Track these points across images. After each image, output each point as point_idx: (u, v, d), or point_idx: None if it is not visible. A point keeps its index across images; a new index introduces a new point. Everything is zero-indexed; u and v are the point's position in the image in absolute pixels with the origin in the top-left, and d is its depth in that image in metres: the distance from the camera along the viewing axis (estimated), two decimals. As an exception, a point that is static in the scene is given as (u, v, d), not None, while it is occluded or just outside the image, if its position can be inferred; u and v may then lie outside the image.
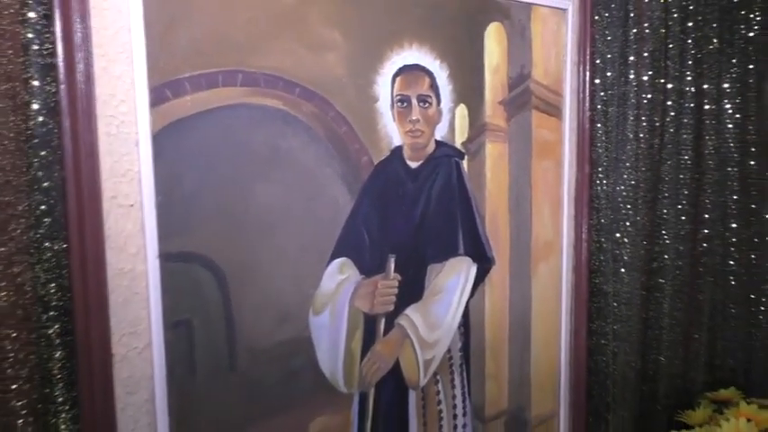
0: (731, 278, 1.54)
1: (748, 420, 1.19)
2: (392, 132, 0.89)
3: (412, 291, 0.93)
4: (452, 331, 0.98)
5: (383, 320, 0.91)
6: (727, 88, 1.46)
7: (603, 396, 1.24)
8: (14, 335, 0.64)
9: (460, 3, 0.95)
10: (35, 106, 0.64)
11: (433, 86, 0.92)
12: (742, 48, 1.50)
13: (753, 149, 1.57)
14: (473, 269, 1.00)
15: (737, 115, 1.49)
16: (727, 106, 1.48)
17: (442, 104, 0.94)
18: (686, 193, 1.38)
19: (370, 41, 0.86)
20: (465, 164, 0.98)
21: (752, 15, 1.51)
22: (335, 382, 0.86)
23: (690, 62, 1.36)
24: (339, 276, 0.85)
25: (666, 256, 1.36)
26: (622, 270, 1.25)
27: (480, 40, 0.98)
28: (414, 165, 0.92)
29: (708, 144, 1.42)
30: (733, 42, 1.48)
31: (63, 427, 0.67)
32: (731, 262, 1.53)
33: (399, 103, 0.89)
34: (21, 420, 0.65)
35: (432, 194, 0.94)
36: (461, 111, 0.96)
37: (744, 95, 1.52)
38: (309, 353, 0.83)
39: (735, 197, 1.49)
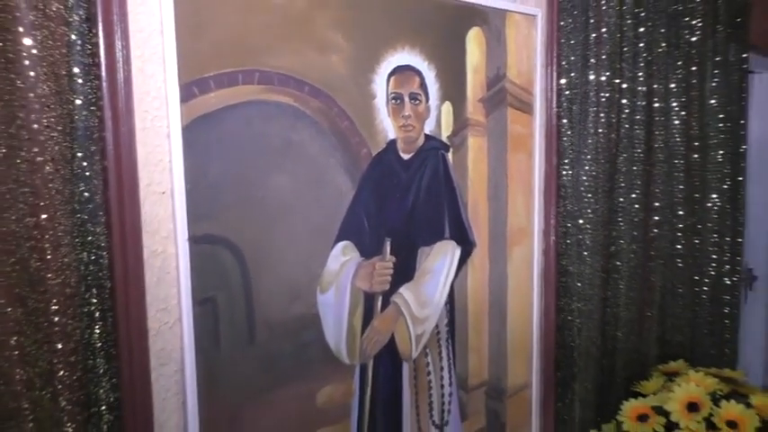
0: (678, 261, 1.70)
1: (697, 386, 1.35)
2: (387, 127, 0.98)
3: (405, 271, 1.03)
4: (440, 308, 1.09)
5: (380, 298, 1.00)
6: (674, 88, 1.62)
7: (570, 368, 1.37)
8: (62, 311, 0.71)
9: (446, 9, 1.05)
10: (78, 102, 0.71)
11: (423, 85, 1.03)
12: (686, 51, 1.67)
13: (696, 144, 1.74)
14: (457, 252, 1.11)
15: (683, 112, 1.65)
16: (674, 104, 1.64)
17: (431, 101, 1.04)
18: (639, 183, 1.53)
19: (369, 44, 0.95)
20: (450, 156, 1.08)
21: (694, 22, 1.67)
22: (340, 355, 0.96)
23: (641, 64, 1.50)
24: (342, 258, 0.95)
25: (622, 241, 1.50)
26: (585, 253, 1.39)
27: (462, 43, 1.08)
28: (406, 156, 1.02)
29: (657, 138, 1.58)
30: (679, 46, 1.64)
31: (103, 395, 0.74)
32: (678, 246, 1.69)
33: (394, 100, 0.99)
34: (66, 390, 0.72)
35: (422, 184, 1.04)
36: (447, 107, 1.07)
37: (688, 94, 1.68)
38: (317, 327, 0.92)
39: (681, 187, 1.65)
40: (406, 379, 1.05)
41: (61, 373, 0.71)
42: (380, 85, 0.97)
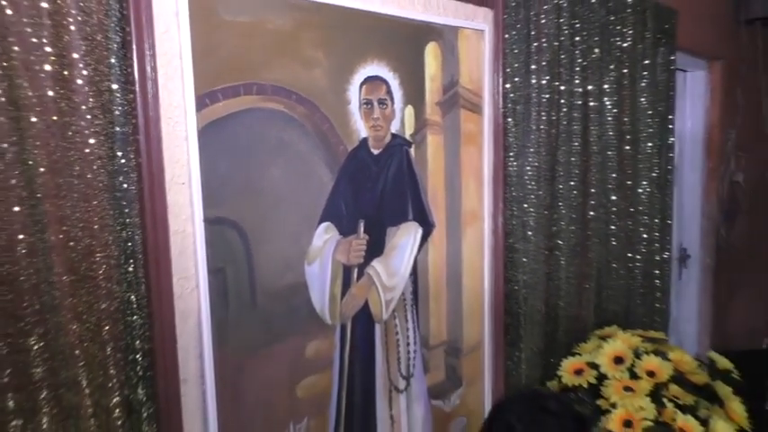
0: (613, 240, 1.95)
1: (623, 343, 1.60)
2: (360, 127, 1.19)
3: (376, 247, 1.25)
4: (405, 279, 1.31)
5: (356, 270, 1.22)
6: (607, 88, 1.86)
7: (517, 331, 1.61)
8: (107, 278, 0.90)
9: (407, 28, 1.26)
10: (117, 112, 0.90)
11: (389, 92, 1.24)
12: (618, 56, 1.91)
13: (628, 137, 1.99)
14: (419, 231, 1.33)
15: (615, 110, 1.90)
16: (607, 103, 1.88)
17: (396, 105, 1.25)
18: (577, 172, 1.76)
19: (344, 59, 1.16)
20: (413, 151, 1.30)
21: (625, 30, 1.92)
22: (323, 316, 1.17)
23: (577, 68, 1.73)
24: (325, 236, 1.15)
25: (563, 222, 1.74)
26: (529, 233, 1.62)
27: (422, 55, 1.30)
28: (376, 152, 1.23)
29: (592, 133, 1.81)
30: (611, 52, 1.88)
31: (139, 345, 0.94)
32: (612, 227, 1.94)
33: (365, 105, 1.20)
34: (111, 341, 0.91)
35: (389, 174, 1.25)
36: (409, 110, 1.28)
37: (620, 94, 1.93)
38: (305, 293, 1.13)
39: (614, 175, 1.90)
40: (378, 337, 1.27)
41: (106, 327, 0.91)
42: (354, 93, 1.18)
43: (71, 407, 0.88)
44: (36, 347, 0.85)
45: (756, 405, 2.55)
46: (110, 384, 0.91)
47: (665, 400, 1.53)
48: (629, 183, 2.00)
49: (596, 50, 1.80)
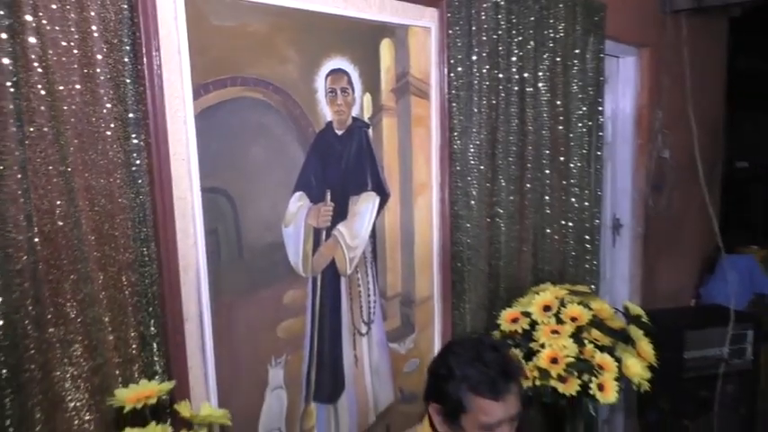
0: (547, 209, 2.23)
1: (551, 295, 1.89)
2: (326, 112, 1.43)
3: (341, 213, 1.49)
4: (366, 240, 1.56)
5: (324, 232, 1.46)
6: (541, 75, 2.13)
7: (462, 286, 1.87)
8: (125, 235, 1.12)
9: (364, 27, 1.50)
10: (130, 102, 1.11)
11: (350, 82, 1.47)
12: (551, 47, 2.18)
13: (560, 118, 2.26)
14: (377, 200, 1.58)
15: (548, 94, 2.17)
16: (542, 88, 2.14)
17: (356, 93, 1.49)
18: (514, 149, 2.03)
19: (312, 55, 1.39)
20: (370, 132, 1.54)
21: (557, 23, 2.19)
22: (298, 270, 1.41)
23: (514, 58, 1.99)
24: (298, 203, 1.39)
25: (502, 193, 2.00)
26: (472, 202, 1.88)
27: (377, 50, 1.54)
28: (339, 133, 1.47)
29: (528, 115, 2.08)
30: (545, 43, 2.15)
31: (149, 290, 1.16)
32: (547, 197, 2.22)
33: (330, 94, 1.43)
34: (128, 287, 1.14)
35: (351, 152, 1.49)
36: (367, 97, 1.52)
37: (553, 80, 2.19)
38: (283, 251, 1.37)
39: (547, 152, 2.18)
40: (343, 289, 1.52)
41: (125, 276, 1.13)
42: (320, 84, 1.41)
43: (98, 340, 1.11)
44: (70, 291, 1.07)
45: (675, 354, 2.92)
46: (128, 322, 1.14)
47: (585, 341, 1.82)
48: (561, 159, 2.28)
49: (531, 42, 2.06)
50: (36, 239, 1.02)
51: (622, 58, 3.09)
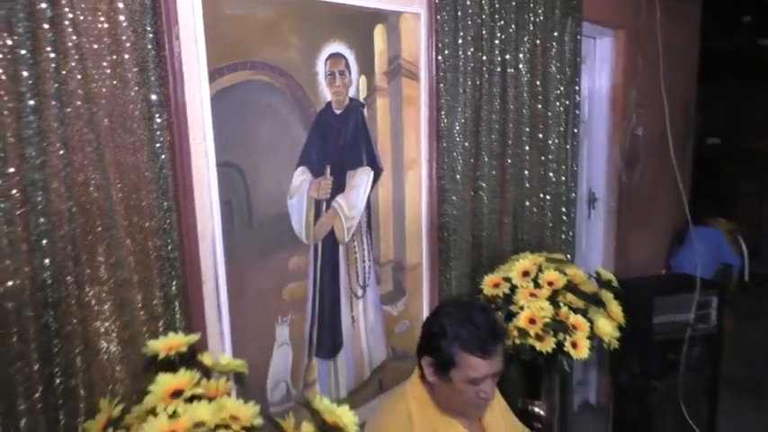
0: (526, 183, 2.39)
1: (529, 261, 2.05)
2: (326, 93, 1.56)
3: (339, 186, 1.63)
4: (361, 210, 1.70)
5: (324, 204, 1.60)
6: (522, 57, 2.27)
7: (448, 254, 2.03)
8: (149, 197, 1.25)
9: (360, 14, 1.62)
10: (154, 85, 1.24)
11: (347, 65, 1.60)
12: (531, 30, 2.32)
13: (540, 97, 2.41)
14: (371, 174, 1.72)
15: (529, 75, 2.32)
16: (522, 69, 2.29)
17: (352, 75, 1.62)
18: (497, 127, 2.18)
19: (313, 41, 1.51)
20: (366, 111, 1.68)
21: (537, 8, 2.33)
22: (301, 238, 1.55)
23: (497, 41, 2.13)
24: (301, 177, 1.53)
25: (485, 168, 2.16)
26: (458, 176, 2.03)
27: (371, 35, 1.67)
28: (338, 112, 1.60)
29: (510, 95, 2.23)
30: (525, 26, 2.29)
31: (172, 254, 1.30)
32: (526, 172, 2.38)
33: (329, 76, 1.56)
34: (154, 251, 1.27)
35: (348, 129, 1.63)
36: (363, 79, 1.65)
37: (533, 62, 2.34)
38: (288, 220, 1.51)
39: (527, 129, 2.33)
40: (341, 255, 1.67)
41: (150, 242, 1.27)
42: (321, 67, 1.54)
43: (127, 299, 1.25)
44: (103, 255, 1.21)
45: (645, 319, 3.12)
46: (153, 283, 1.28)
47: (561, 303, 1.99)
48: (540, 136, 2.43)
49: (512, 26, 2.20)
50: (74, 209, 1.15)
51: (599, 39, 3.24)
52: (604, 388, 3.53)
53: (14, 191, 1.05)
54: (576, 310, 2.00)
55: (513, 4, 2.18)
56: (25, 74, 1.05)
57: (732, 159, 6.29)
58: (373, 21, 1.67)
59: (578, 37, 2.60)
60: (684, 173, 4.24)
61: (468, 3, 1.97)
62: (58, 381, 1.13)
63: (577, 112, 2.66)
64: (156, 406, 1.09)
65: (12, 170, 1.05)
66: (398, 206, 1.83)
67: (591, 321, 2.01)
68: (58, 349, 1.12)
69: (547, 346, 1.91)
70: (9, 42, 1.03)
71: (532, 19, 2.31)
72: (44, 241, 1.09)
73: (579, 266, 2.35)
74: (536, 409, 2.18)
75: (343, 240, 1.66)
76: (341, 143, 1.62)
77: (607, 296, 2.10)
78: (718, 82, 6.47)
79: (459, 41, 1.96)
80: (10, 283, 1.05)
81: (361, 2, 1.61)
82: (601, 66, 3.27)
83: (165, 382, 1.13)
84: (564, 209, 2.60)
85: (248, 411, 1.13)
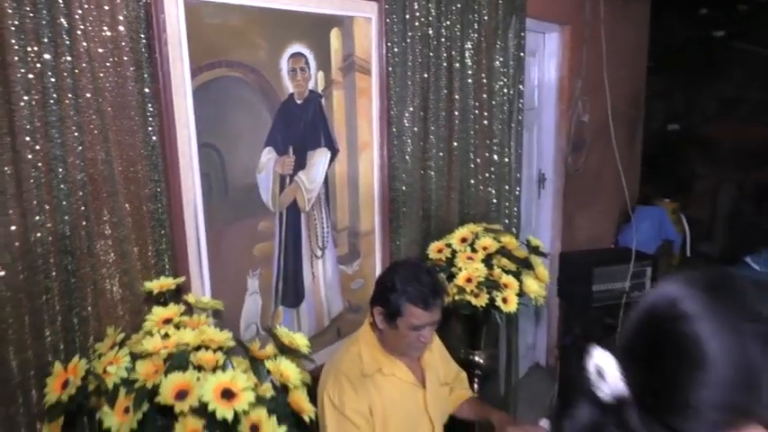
0: (471, 164, 2.74)
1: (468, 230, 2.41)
2: (289, 86, 1.89)
3: (300, 164, 1.97)
4: (320, 184, 2.04)
5: (288, 178, 1.94)
6: (468, 54, 2.61)
7: (399, 224, 2.38)
8: (142, 166, 1.58)
9: (318, 19, 1.95)
10: (147, 81, 1.56)
11: (307, 63, 1.94)
12: (476, 29, 2.66)
13: (485, 88, 2.76)
14: (329, 154, 2.06)
15: (475, 68, 2.66)
16: (468, 63, 2.63)
17: (311, 71, 1.96)
18: (443, 114, 2.52)
19: (277, 43, 1.84)
20: (323, 101, 2.01)
21: (482, 9, 2.66)
22: (268, 205, 1.89)
23: (443, 39, 2.47)
24: (268, 156, 1.87)
25: (433, 150, 2.50)
26: (407, 157, 2.38)
27: (328, 37, 2.00)
28: (299, 102, 1.94)
29: (455, 87, 2.57)
30: (471, 25, 2.62)
31: (163, 218, 1.63)
32: (471, 155, 2.73)
33: (291, 72, 1.89)
34: (148, 215, 1.60)
35: (308, 117, 1.97)
36: (320, 74, 1.99)
37: (478, 56, 2.68)
38: (257, 191, 1.85)
39: (472, 117, 2.67)
40: (303, 221, 2.01)
41: (144, 206, 1.60)
42: (284, 64, 1.87)
43: (126, 252, 1.58)
44: (107, 216, 1.53)
45: (585, 288, 3.51)
46: (146, 239, 1.61)
47: (495, 266, 2.35)
48: (485, 123, 2.78)
49: (458, 26, 2.54)
50: (85, 179, 1.47)
51: (548, 35, 3.59)
52: (552, 351, 3.92)
53: (41, 163, 1.38)
54: (509, 272, 2.36)
55: (459, 6, 2.52)
56: (49, 73, 1.37)
57: (690, 145, 6.69)
58: (329, 25, 2.00)
59: (522, 33, 2.94)
60: (633, 157, 4.63)
61: (416, 7, 2.31)
62: (74, 311, 1.47)
63: (521, 101, 3.01)
64: (151, 330, 1.43)
65: (38, 147, 1.38)
66: (353, 181, 2.18)
67: (521, 281, 2.37)
68: (74, 287, 1.46)
69: (481, 301, 2.26)
70: (36, 49, 1.36)
71: (477, 18, 2.64)
72: (63, 203, 1.42)
73: (526, 237, 2.71)
74: (476, 358, 2.54)
75: (305, 209, 2.01)
76: (302, 128, 1.95)
77: (536, 260, 2.46)
78: (678, 72, 6.89)
79: (408, 41, 2.30)
80: (39, 234, 1.38)
81: (318, 9, 1.94)
82: (549, 59, 3.62)
83: (158, 312, 1.47)
84: (507, 187, 2.95)
85: (222, 336, 1.48)
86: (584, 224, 3.98)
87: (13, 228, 1.36)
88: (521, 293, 2.34)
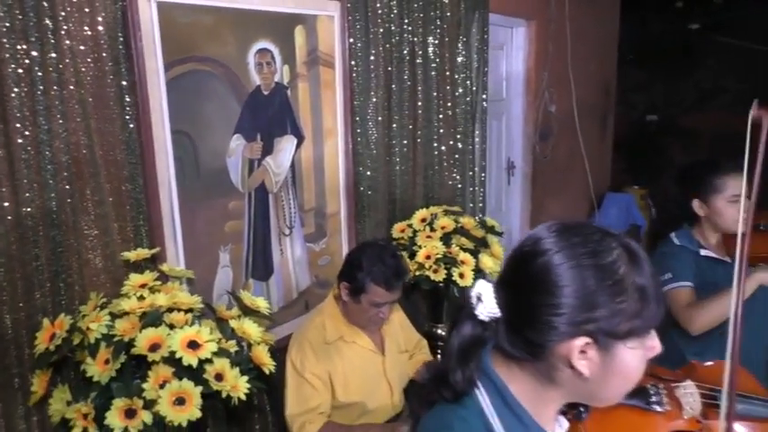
0: (435, 151, 2.95)
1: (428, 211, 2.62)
2: (256, 79, 2.10)
3: (268, 150, 2.18)
4: (287, 168, 2.25)
5: (256, 162, 2.14)
6: (430, 49, 2.81)
7: (363, 205, 2.59)
8: (121, 152, 1.78)
9: (283, 17, 2.15)
10: (124, 74, 1.77)
11: (273, 57, 2.14)
12: (438, 23, 2.86)
13: (449, 80, 2.96)
14: (295, 141, 2.26)
15: (438, 60, 2.86)
16: (431, 57, 2.83)
17: (277, 65, 2.16)
18: (407, 104, 2.73)
19: (245, 39, 2.05)
20: (289, 92, 2.22)
21: (444, 7, 2.86)
22: (238, 186, 2.10)
23: (406, 35, 2.67)
24: (237, 142, 2.07)
25: (398, 138, 2.71)
26: (372, 145, 2.58)
27: (293, 34, 2.20)
28: (266, 93, 2.14)
29: (419, 77, 2.77)
30: (432, 21, 2.82)
31: (140, 198, 1.84)
32: (435, 144, 2.93)
33: (258, 66, 2.10)
34: (125, 195, 1.81)
35: (275, 106, 2.17)
36: (286, 68, 2.19)
37: (442, 51, 2.88)
38: (227, 173, 2.06)
39: (435, 106, 2.88)
40: (271, 202, 2.22)
41: (123, 186, 1.80)
42: (251, 59, 2.07)
43: (107, 227, 1.78)
44: (89, 194, 1.74)
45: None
46: (126, 217, 1.82)
47: (453, 244, 2.56)
48: (449, 113, 2.99)
49: (420, 22, 2.74)
50: (70, 161, 1.68)
51: (515, 29, 3.79)
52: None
53: (30, 147, 1.59)
54: (466, 250, 2.56)
55: (421, 3, 2.72)
56: (36, 68, 1.57)
57: (668, 134, 6.92)
58: (294, 22, 2.20)
59: (485, 28, 3.14)
60: (605, 146, 4.83)
61: (378, 6, 2.51)
62: (61, 277, 1.67)
63: (485, 92, 3.21)
64: (128, 293, 1.64)
65: (27, 133, 1.58)
66: (318, 166, 2.38)
67: (477, 259, 2.58)
68: (60, 256, 1.67)
69: (439, 276, 2.47)
70: (24, 47, 1.56)
71: (439, 15, 2.84)
72: (50, 182, 1.62)
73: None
74: (438, 331, 2.75)
75: (273, 190, 2.21)
76: (269, 116, 2.16)
77: (492, 239, 2.67)
78: (656, 64, 7.11)
79: (371, 37, 2.50)
80: (29, 209, 1.59)
81: (282, 8, 2.14)
82: (517, 52, 3.83)
83: (134, 278, 1.68)
84: (471, 173, 3.16)
85: (192, 299, 1.69)
86: (554, 209, 4.19)
87: (6, 204, 1.57)
88: (477, 270, 2.55)
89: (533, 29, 3.76)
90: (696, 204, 2.10)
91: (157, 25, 1.81)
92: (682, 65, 6.89)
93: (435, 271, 2.48)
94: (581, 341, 0.84)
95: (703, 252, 2.10)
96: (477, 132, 3.17)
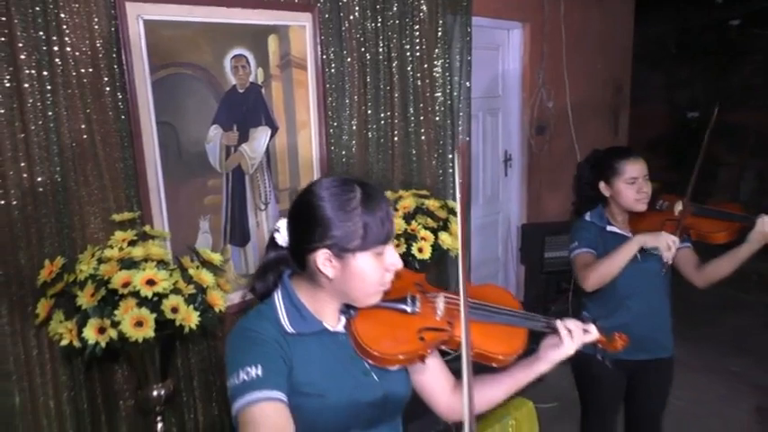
0: (412, 142, 3.34)
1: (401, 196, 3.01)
2: (232, 79, 2.58)
3: (244, 138, 2.65)
4: (262, 153, 2.72)
5: (234, 148, 2.63)
6: (407, 52, 3.21)
7: (338, 188, 3.02)
8: (115, 147, 2.31)
9: (257, 27, 2.62)
10: (116, 76, 2.29)
11: (248, 61, 2.61)
12: (415, 28, 3.24)
13: (428, 81, 3.34)
14: (269, 131, 2.73)
15: (414, 63, 3.25)
16: (409, 59, 3.22)
17: (252, 68, 2.63)
18: (383, 99, 3.14)
19: (222, 47, 2.53)
20: (263, 90, 2.68)
21: (420, 13, 3.25)
22: (216, 167, 2.58)
23: (381, 38, 3.08)
24: (215, 131, 2.56)
25: (374, 126, 3.12)
26: (344, 136, 3.01)
27: (266, 41, 2.67)
28: (241, 91, 2.62)
29: (395, 75, 3.17)
30: (410, 28, 3.22)
31: (131, 173, 2.35)
32: (413, 134, 3.32)
33: (234, 69, 2.58)
34: (121, 174, 2.33)
35: (250, 101, 2.65)
36: (260, 70, 2.66)
37: (419, 55, 3.27)
38: (206, 157, 2.55)
39: (412, 100, 3.27)
40: (247, 181, 2.69)
41: (117, 164, 2.33)
42: (228, 64, 2.56)
43: (104, 196, 2.31)
44: (89, 170, 2.27)
45: (539, 254, 3.98)
46: (119, 189, 2.34)
47: (415, 222, 2.95)
48: (429, 108, 3.37)
49: (396, 28, 3.13)
50: (73, 144, 2.21)
51: (511, 31, 4.11)
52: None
53: (42, 132, 2.13)
54: (428, 228, 2.95)
55: (395, 10, 3.12)
56: (45, 73, 2.11)
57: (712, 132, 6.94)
58: (267, 32, 2.67)
59: (468, 29, 3.50)
60: (617, 143, 5.02)
61: (351, 18, 2.93)
62: (65, 233, 2.21)
63: (469, 92, 3.56)
64: (112, 245, 2.16)
65: (40, 123, 2.13)
66: (293, 151, 2.84)
67: (437, 236, 2.95)
68: (65, 217, 2.20)
69: (399, 250, 2.87)
70: (36, 56, 2.10)
71: (416, 20, 3.23)
72: (56, 158, 2.16)
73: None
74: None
75: (249, 172, 2.69)
76: (244, 110, 2.64)
77: (452, 219, 3.04)
78: (698, 60, 7.18)
79: (344, 43, 2.93)
80: (40, 179, 2.13)
81: (258, 20, 2.61)
82: (512, 52, 4.14)
83: (118, 234, 2.20)
84: (452, 162, 3.52)
85: (161, 252, 2.18)
86: (549, 200, 4.45)
87: (24, 175, 2.12)
88: (437, 247, 2.93)
89: (528, 31, 4.06)
90: (602, 186, 2.40)
91: (144, 38, 2.32)
92: (721, 60, 6.91)
93: (397, 245, 2.87)
94: (323, 252, 1.25)
95: (609, 228, 2.40)
96: (460, 126, 3.53)
